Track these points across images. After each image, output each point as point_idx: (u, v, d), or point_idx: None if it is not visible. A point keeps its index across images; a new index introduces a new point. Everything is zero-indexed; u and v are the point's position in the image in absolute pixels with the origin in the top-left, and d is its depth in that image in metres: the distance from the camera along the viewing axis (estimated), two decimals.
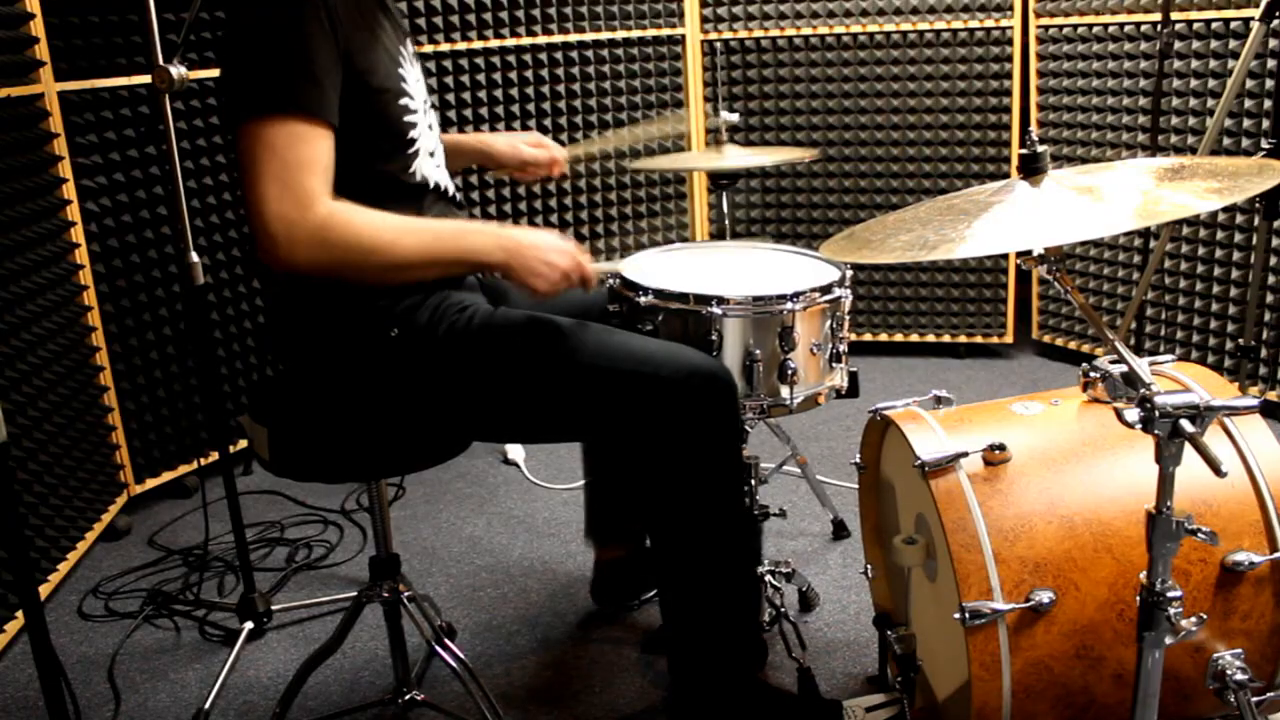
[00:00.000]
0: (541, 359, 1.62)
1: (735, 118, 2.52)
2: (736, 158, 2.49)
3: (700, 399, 1.60)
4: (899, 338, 3.83)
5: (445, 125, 3.37)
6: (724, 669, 1.75)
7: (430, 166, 1.73)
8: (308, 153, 1.44)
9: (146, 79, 2.58)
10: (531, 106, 3.51)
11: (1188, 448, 1.15)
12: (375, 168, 1.62)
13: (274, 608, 2.30)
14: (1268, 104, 2.88)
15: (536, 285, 1.59)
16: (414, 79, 1.71)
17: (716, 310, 1.73)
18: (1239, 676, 1.47)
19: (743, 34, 3.64)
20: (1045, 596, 1.44)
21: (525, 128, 3.50)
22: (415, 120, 1.67)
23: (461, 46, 3.35)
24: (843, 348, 1.87)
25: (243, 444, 3.02)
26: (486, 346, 1.63)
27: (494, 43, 3.39)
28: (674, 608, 1.75)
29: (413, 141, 1.67)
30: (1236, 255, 3.08)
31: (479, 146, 2.04)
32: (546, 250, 1.59)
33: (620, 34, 3.55)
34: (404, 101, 1.64)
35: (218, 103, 2.80)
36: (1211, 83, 3.04)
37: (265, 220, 1.42)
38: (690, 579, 1.71)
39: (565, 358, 1.62)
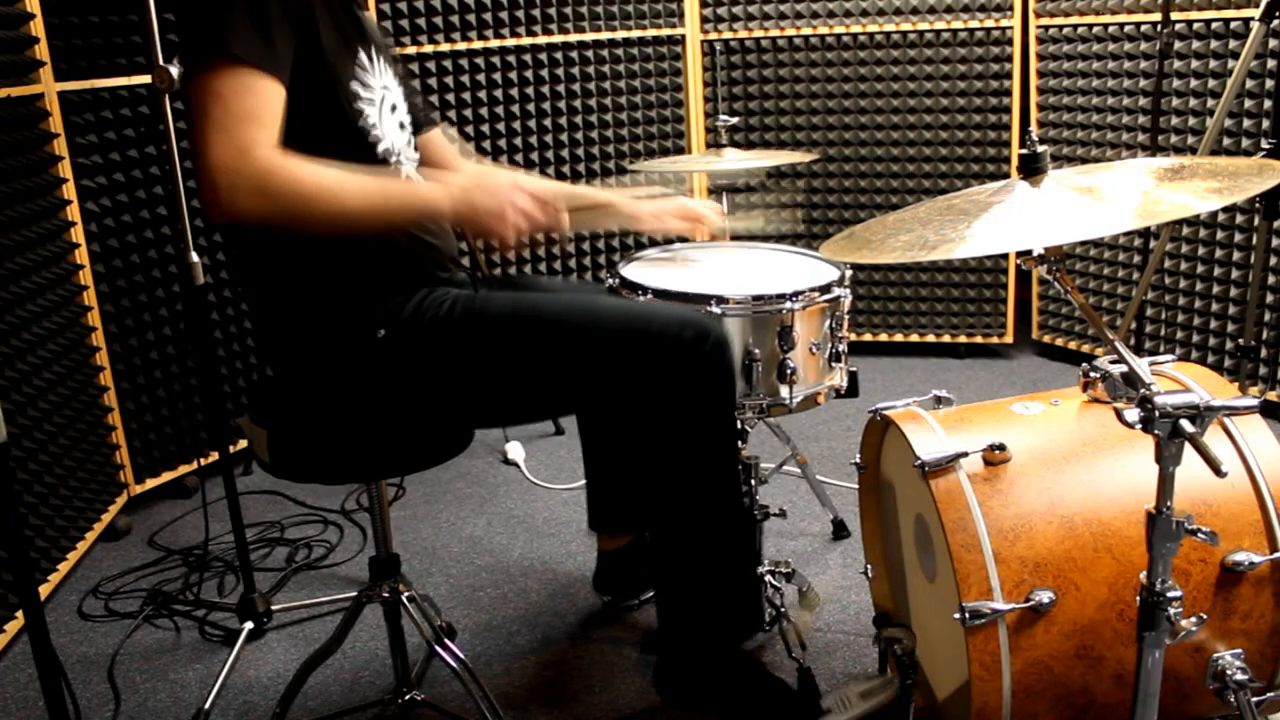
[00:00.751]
0: (530, 329, 1.62)
1: (734, 120, 2.52)
2: (736, 160, 2.49)
3: (692, 350, 1.60)
4: (899, 338, 3.83)
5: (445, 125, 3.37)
6: (712, 626, 1.75)
7: (410, 166, 1.72)
8: (254, 103, 1.43)
9: (146, 79, 2.58)
10: (531, 106, 3.51)
11: (1188, 448, 1.15)
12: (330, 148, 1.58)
13: (274, 608, 2.30)
14: (1268, 104, 2.88)
15: (498, 229, 1.53)
16: (376, 74, 1.67)
17: (716, 310, 1.74)
18: (1239, 676, 1.47)
19: (743, 34, 3.64)
20: (1045, 596, 1.43)
21: (525, 128, 3.51)
22: (364, 109, 1.63)
23: (461, 46, 3.35)
24: (842, 347, 1.87)
25: (243, 444, 3.02)
26: (473, 328, 1.63)
27: (494, 43, 3.39)
28: (666, 564, 1.75)
29: (366, 132, 1.62)
30: (1236, 255, 3.08)
31: (618, 210, 1.92)
32: (499, 189, 1.54)
33: (620, 34, 3.55)
34: (355, 87, 1.61)
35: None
36: (1211, 83, 3.04)
37: (208, 168, 1.41)
38: (684, 535, 1.71)
39: (554, 324, 1.61)
